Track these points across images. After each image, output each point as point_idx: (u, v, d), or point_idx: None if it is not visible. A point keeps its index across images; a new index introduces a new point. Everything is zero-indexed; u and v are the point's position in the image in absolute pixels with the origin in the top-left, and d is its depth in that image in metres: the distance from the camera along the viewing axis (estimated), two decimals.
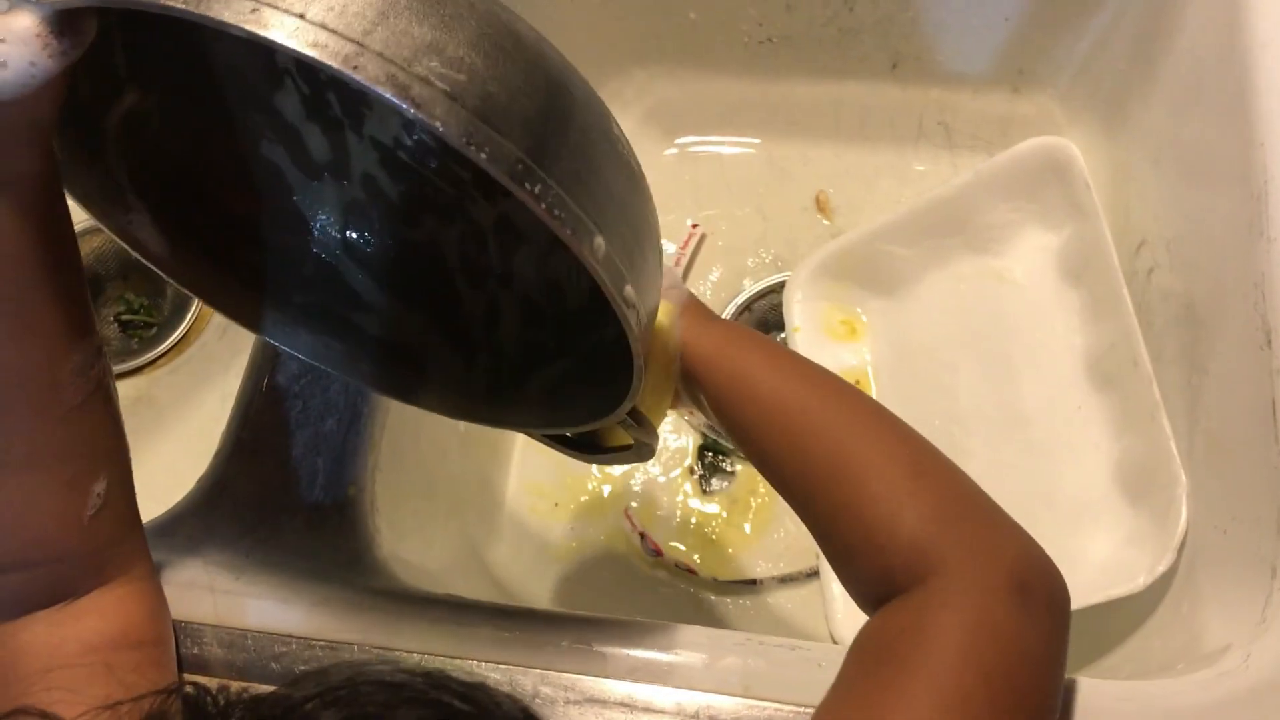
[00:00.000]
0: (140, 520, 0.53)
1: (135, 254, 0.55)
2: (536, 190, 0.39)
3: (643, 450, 0.59)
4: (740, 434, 0.54)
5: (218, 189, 0.59)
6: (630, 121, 1.05)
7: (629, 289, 0.44)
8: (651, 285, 0.48)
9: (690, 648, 0.55)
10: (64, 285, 0.47)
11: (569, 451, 0.62)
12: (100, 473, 0.49)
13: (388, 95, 0.36)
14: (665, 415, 0.58)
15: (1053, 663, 0.44)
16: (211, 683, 0.38)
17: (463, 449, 0.83)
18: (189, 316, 0.99)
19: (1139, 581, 0.68)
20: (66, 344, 0.47)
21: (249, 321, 0.59)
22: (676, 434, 0.92)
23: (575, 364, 0.59)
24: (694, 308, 0.57)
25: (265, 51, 0.54)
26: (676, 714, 0.52)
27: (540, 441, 0.62)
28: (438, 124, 0.36)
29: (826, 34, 0.97)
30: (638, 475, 0.91)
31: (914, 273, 0.91)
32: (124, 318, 0.99)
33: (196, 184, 0.58)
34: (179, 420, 0.95)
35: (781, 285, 0.95)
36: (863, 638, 0.47)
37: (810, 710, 0.52)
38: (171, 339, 0.98)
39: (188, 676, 0.38)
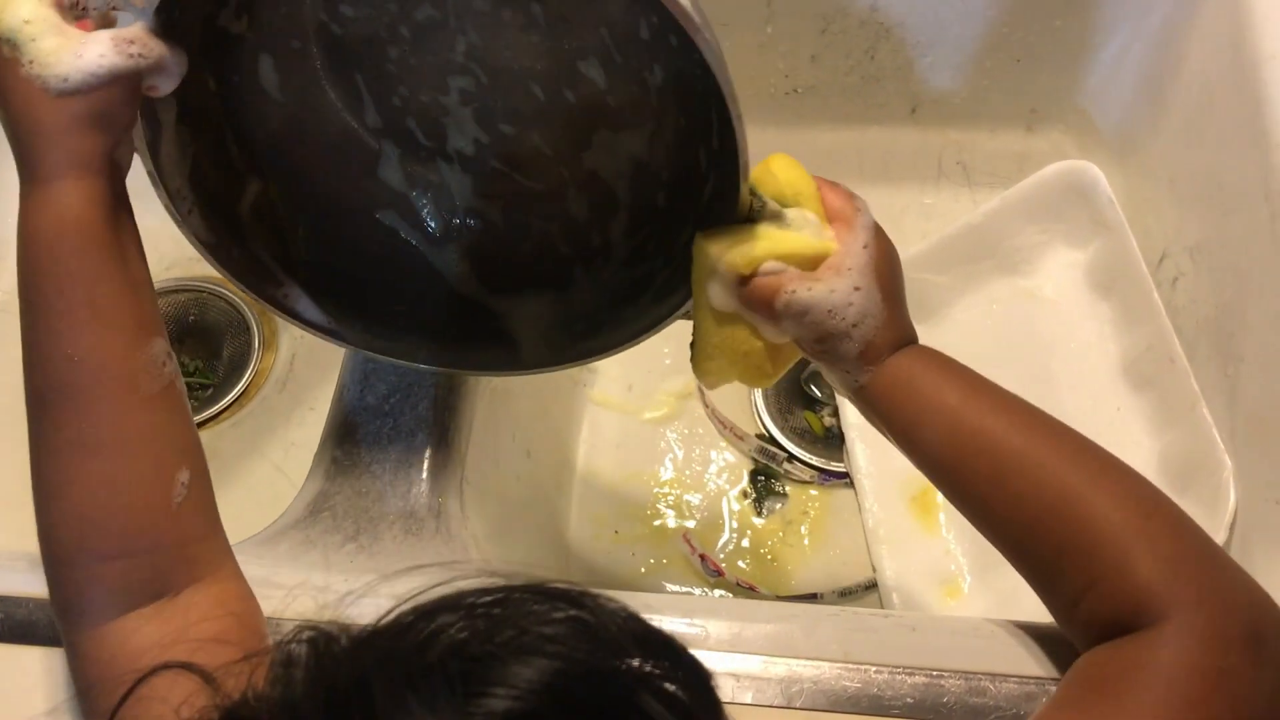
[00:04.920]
0: (221, 522, 0.55)
1: (294, 323, 0.62)
2: None
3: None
4: (931, 467, 0.53)
5: (351, 259, 0.65)
6: None
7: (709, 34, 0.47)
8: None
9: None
10: (130, 280, 0.50)
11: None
12: (182, 463, 0.51)
13: None
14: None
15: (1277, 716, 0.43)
16: (332, 626, 0.36)
17: (530, 475, 0.86)
18: (248, 373, 1.03)
19: None
20: (137, 337, 0.50)
21: (417, 359, 0.65)
22: (735, 456, 0.96)
23: (673, 271, 0.60)
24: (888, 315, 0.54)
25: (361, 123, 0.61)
26: None
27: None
28: None
29: (849, 82, 1.03)
30: (694, 499, 0.94)
31: (949, 298, 0.96)
32: None
33: (330, 256, 0.64)
34: (245, 471, 0.98)
35: None
36: (1084, 669, 0.46)
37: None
38: (230, 396, 1.02)
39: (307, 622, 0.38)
